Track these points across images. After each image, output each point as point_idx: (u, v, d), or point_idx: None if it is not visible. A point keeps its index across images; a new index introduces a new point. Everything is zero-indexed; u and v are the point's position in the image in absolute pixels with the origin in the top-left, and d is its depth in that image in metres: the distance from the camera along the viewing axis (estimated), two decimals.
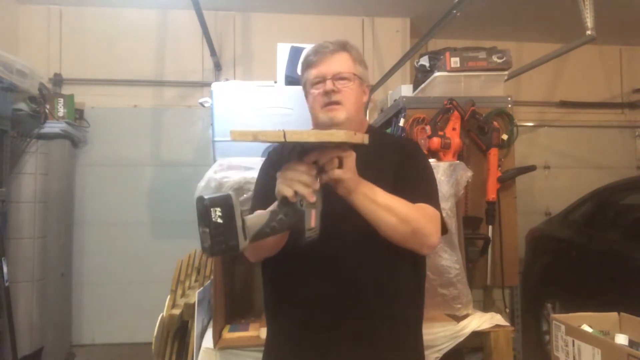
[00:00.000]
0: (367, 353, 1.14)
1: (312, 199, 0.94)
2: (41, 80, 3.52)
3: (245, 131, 0.88)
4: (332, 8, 4.21)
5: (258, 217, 0.92)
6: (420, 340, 1.27)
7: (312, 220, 0.95)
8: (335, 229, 1.05)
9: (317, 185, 0.96)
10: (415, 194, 1.14)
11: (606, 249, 3.13)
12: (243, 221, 0.87)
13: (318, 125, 1.26)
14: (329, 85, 1.18)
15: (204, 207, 0.85)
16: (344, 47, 1.23)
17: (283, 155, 1.27)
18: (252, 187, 1.66)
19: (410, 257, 1.17)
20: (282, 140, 0.87)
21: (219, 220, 0.84)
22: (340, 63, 1.21)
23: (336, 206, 1.03)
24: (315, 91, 1.22)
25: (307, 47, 1.28)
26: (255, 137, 0.88)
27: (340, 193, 1.01)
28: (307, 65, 1.25)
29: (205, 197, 0.86)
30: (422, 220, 1.09)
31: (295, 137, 0.87)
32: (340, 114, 1.19)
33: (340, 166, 0.97)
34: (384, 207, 1.05)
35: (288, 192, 0.93)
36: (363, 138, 0.96)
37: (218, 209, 0.84)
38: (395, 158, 1.23)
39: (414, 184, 1.19)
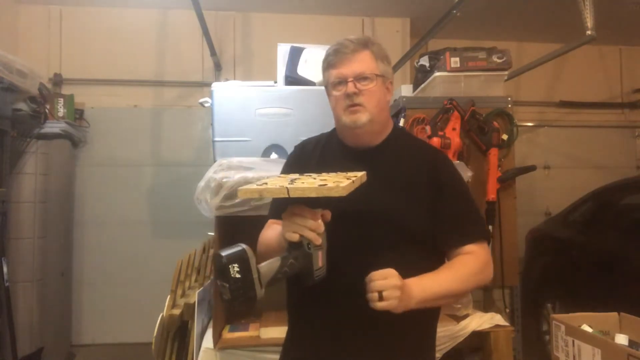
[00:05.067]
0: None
1: (318, 241, 1.00)
2: (41, 80, 3.51)
3: (251, 189, 0.97)
4: (332, 8, 4.21)
5: (270, 264, 0.98)
6: (433, 349, 1.28)
7: (320, 260, 1.02)
8: (355, 248, 1.11)
9: (321, 229, 1.00)
10: (463, 231, 1.18)
11: (606, 249, 3.12)
12: (258, 271, 0.93)
13: (341, 127, 1.25)
14: (350, 87, 1.16)
15: (222, 265, 0.91)
16: (365, 44, 1.20)
17: (305, 153, 1.33)
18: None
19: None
20: (286, 196, 0.94)
21: (237, 275, 0.90)
22: (361, 63, 1.18)
23: (352, 228, 1.11)
24: (337, 93, 1.20)
25: (326, 47, 1.25)
26: (260, 194, 0.97)
27: None
28: (328, 65, 1.22)
29: (223, 254, 0.92)
30: (476, 277, 1.15)
31: (297, 194, 0.94)
32: (362, 116, 1.17)
33: (381, 299, 0.99)
34: (442, 297, 1.11)
35: (295, 238, 0.99)
36: (361, 179, 1.01)
37: (236, 265, 0.90)
38: (422, 167, 1.21)
39: (459, 218, 1.20)
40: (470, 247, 1.16)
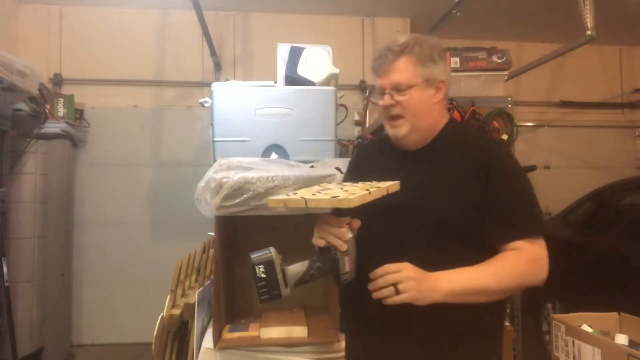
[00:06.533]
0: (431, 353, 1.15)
1: (343, 248, 1.07)
2: (41, 80, 3.52)
3: (278, 199, 1.09)
4: (332, 8, 4.21)
5: (298, 267, 1.08)
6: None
7: (347, 265, 1.09)
8: (400, 250, 1.12)
9: (347, 236, 1.06)
10: (510, 226, 1.13)
11: (606, 249, 3.12)
12: (283, 272, 1.04)
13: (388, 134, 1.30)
14: (387, 99, 1.21)
15: (250, 266, 1.03)
16: (403, 51, 1.19)
17: (361, 157, 1.42)
18: (252, 187, 1.68)
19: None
20: (304, 207, 1.04)
21: (263, 275, 1.02)
22: (398, 73, 1.19)
23: (393, 223, 1.15)
24: (380, 102, 1.25)
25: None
26: (285, 203, 1.08)
27: None
28: (373, 71, 1.27)
29: (252, 256, 1.04)
30: (516, 274, 1.10)
31: (314, 204, 1.04)
32: (401, 129, 1.21)
33: (398, 292, 1.01)
34: (474, 292, 1.07)
35: (320, 243, 1.07)
36: (388, 188, 1.08)
37: (261, 266, 1.02)
38: (472, 162, 1.18)
39: (508, 212, 1.14)
40: (517, 244, 1.11)
